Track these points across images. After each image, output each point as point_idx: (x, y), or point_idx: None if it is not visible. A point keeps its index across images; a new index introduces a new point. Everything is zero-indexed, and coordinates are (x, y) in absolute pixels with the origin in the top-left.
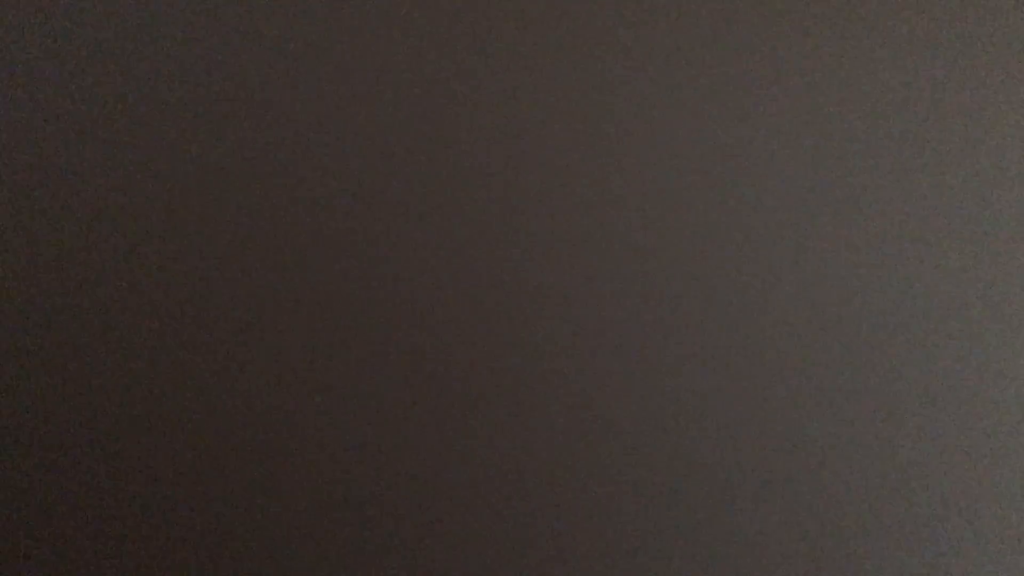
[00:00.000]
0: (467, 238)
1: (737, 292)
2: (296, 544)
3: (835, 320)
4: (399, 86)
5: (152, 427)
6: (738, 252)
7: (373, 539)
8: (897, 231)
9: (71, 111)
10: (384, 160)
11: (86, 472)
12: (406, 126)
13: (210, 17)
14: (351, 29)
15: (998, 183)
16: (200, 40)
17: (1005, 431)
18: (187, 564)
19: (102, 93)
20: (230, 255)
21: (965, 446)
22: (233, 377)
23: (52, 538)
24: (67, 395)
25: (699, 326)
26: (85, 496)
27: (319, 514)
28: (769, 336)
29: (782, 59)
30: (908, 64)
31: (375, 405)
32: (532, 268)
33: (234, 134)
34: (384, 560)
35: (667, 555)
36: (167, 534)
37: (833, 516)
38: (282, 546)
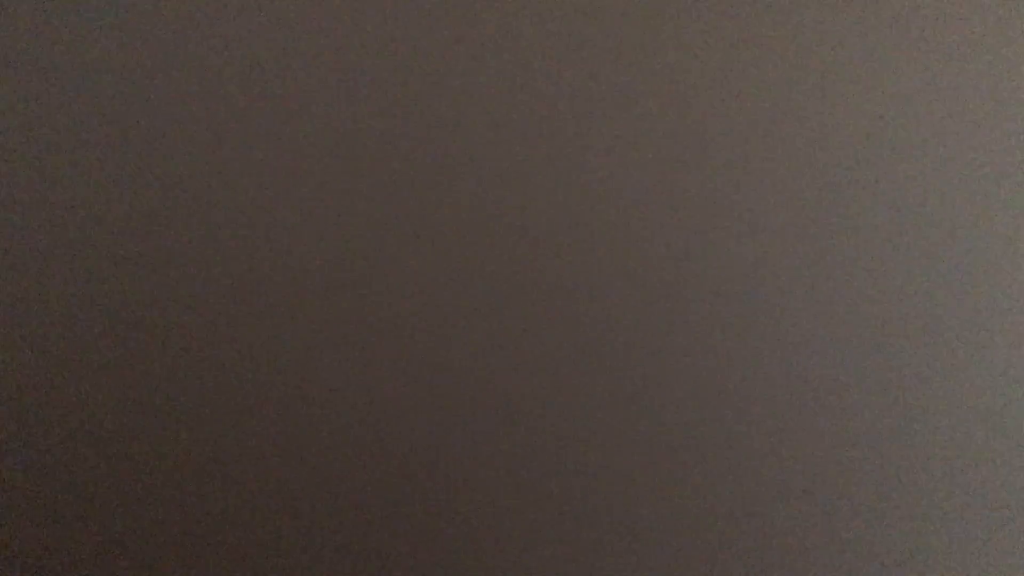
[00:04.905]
0: (466, 237)
1: (737, 291)
2: (296, 544)
3: (836, 320)
4: (399, 85)
5: (153, 426)
6: (738, 250)
7: (376, 539)
8: (896, 228)
9: (70, 110)
10: (382, 159)
11: (86, 471)
12: (405, 125)
13: (208, 15)
14: (349, 28)
15: (999, 181)
16: (198, 38)
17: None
18: (188, 564)
19: (100, 92)
20: (230, 254)
21: (967, 443)
22: (231, 376)
23: (52, 538)
24: (67, 394)
25: (698, 326)
26: (84, 496)
27: (319, 514)
28: (769, 335)
29: (781, 57)
30: (908, 62)
31: (377, 404)
32: (529, 267)
33: (234, 133)
34: (388, 559)
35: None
36: (168, 534)
37: (833, 517)
38: (283, 546)
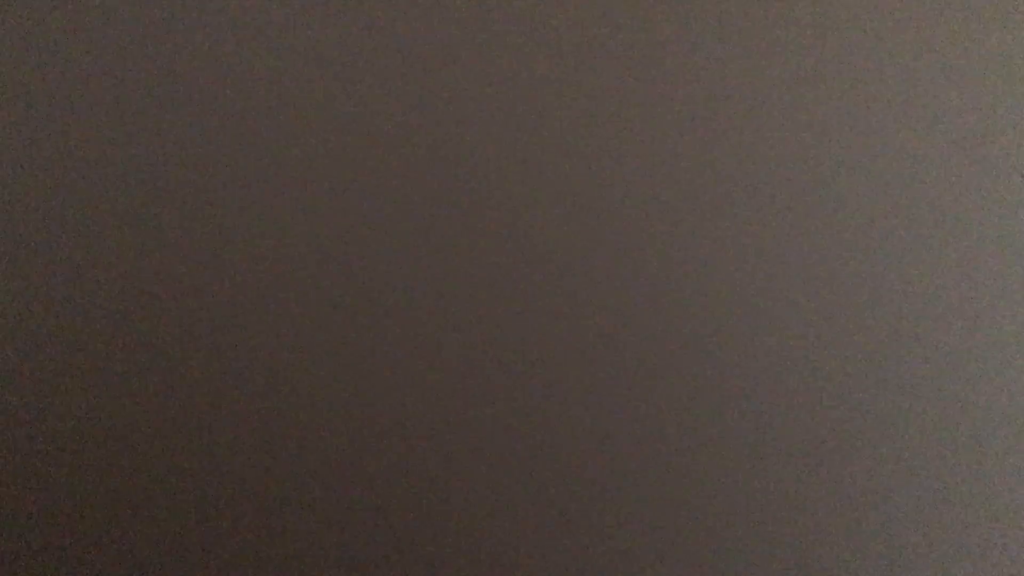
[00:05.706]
0: (466, 236)
1: (737, 293)
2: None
3: (837, 320)
4: (399, 84)
5: (153, 427)
6: (737, 250)
7: (379, 539)
8: (895, 227)
9: (70, 110)
10: (383, 158)
11: (86, 471)
12: (405, 125)
13: (207, 15)
14: (349, 27)
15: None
16: (198, 38)
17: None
18: (188, 564)
19: (100, 92)
20: (231, 255)
21: (964, 443)
22: (232, 376)
23: (52, 538)
24: (67, 395)
25: (698, 326)
26: (84, 496)
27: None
28: (769, 335)
29: (781, 57)
30: (908, 62)
31: (377, 405)
32: (529, 267)
33: (234, 133)
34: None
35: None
36: (167, 534)
37: (824, 520)
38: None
